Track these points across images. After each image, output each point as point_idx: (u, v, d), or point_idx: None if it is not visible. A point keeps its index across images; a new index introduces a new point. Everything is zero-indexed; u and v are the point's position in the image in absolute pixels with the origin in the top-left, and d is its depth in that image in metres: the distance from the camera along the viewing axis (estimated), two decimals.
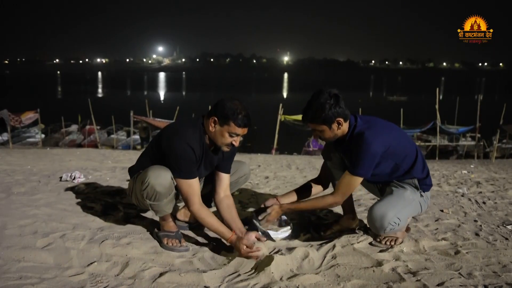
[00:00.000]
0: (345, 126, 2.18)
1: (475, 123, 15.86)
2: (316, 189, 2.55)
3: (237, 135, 2.10)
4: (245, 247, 2.05)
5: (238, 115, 2.05)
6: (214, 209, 2.39)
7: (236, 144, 2.15)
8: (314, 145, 15.95)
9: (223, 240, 2.23)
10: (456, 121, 18.91)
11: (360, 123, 2.18)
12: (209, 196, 2.44)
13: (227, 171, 2.36)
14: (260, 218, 2.28)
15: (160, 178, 2.07)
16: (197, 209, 2.14)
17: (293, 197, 2.47)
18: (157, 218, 2.63)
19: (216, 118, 2.09)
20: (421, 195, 2.26)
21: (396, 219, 2.12)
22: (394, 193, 2.20)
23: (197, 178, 2.16)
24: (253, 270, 1.96)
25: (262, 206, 2.38)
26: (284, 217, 2.53)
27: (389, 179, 2.27)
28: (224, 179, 2.35)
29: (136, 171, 2.32)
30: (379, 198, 2.36)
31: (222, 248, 2.27)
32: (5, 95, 40.78)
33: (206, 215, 2.15)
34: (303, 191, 2.53)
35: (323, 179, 2.56)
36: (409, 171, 2.23)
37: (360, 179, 2.16)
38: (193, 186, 2.13)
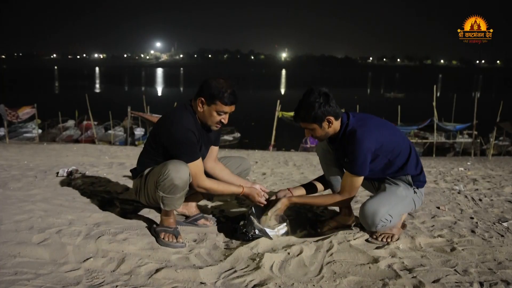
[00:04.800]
0: (336, 124, 2.19)
1: (472, 121, 15.87)
2: (320, 186, 2.57)
3: (225, 113, 2.21)
4: (256, 196, 2.31)
5: (224, 93, 2.14)
6: None
7: (225, 121, 2.26)
8: (311, 141, 15.94)
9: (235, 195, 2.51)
10: (453, 118, 18.96)
11: (353, 121, 2.19)
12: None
13: (217, 144, 2.51)
14: (269, 213, 2.32)
15: (181, 172, 2.10)
16: (208, 183, 2.27)
17: (302, 191, 2.50)
18: (153, 215, 2.64)
19: (203, 99, 2.18)
20: (415, 192, 2.28)
21: (387, 216, 2.14)
22: (387, 190, 2.22)
23: (200, 158, 2.25)
24: (249, 267, 1.96)
25: (274, 197, 2.41)
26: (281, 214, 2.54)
27: (383, 175, 2.28)
28: (214, 151, 2.49)
29: (140, 171, 2.33)
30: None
31: (219, 244, 2.27)
32: (2, 90, 40.55)
33: (216, 184, 2.31)
34: (311, 187, 2.55)
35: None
36: (402, 168, 2.25)
37: (361, 178, 2.19)
38: (199, 166, 2.23)
